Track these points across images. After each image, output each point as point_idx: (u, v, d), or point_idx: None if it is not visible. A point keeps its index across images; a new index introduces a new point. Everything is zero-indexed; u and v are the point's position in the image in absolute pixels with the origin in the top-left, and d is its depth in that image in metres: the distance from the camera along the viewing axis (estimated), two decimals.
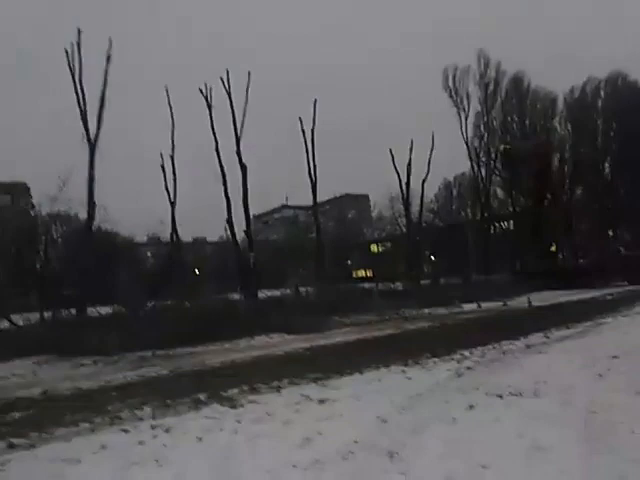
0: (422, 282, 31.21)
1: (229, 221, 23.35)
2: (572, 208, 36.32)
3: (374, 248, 55.76)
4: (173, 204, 22.94)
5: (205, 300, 19.16)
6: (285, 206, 70.62)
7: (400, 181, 32.02)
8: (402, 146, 31.22)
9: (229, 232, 23.96)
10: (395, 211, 41.01)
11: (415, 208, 47.86)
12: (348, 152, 63.39)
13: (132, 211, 24.15)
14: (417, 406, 5.35)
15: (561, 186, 37.07)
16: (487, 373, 6.91)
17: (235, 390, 6.64)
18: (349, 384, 6.76)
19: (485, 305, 19.19)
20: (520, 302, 19.05)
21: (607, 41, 61.30)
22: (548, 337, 10.07)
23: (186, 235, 46.15)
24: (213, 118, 23.03)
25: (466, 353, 8.78)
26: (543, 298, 20.00)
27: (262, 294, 23.10)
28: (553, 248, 31.89)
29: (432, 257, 48.88)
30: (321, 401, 5.84)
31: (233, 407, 5.81)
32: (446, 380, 6.67)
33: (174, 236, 23.17)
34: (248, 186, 22.99)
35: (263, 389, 6.72)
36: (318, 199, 50.25)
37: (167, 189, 23.10)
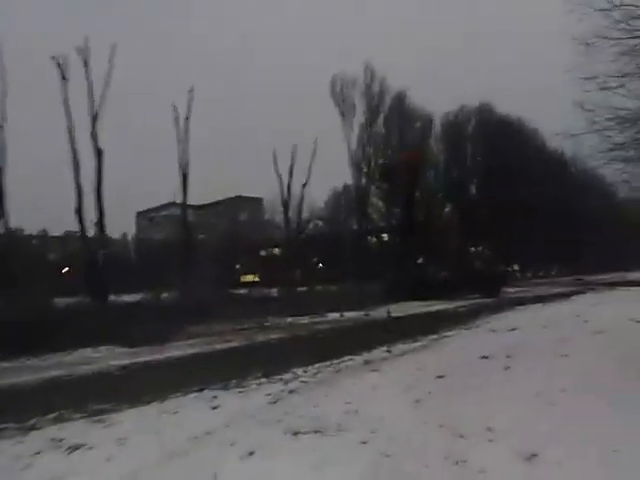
0: (299, 289, 30.76)
1: (78, 211, 20.48)
2: (441, 223, 38.71)
3: (263, 252, 54.79)
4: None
5: (37, 303, 16.42)
6: (173, 203, 66.53)
7: (281, 185, 31.39)
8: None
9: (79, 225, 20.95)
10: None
11: (304, 214, 47.92)
12: (242, 154, 61.50)
13: None
14: (191, 452, 4.21)
15: (433, 201, 39.35)
16: (305, 399, 6.03)
17: None
18: (135, 418, 5.43)
19: (349, 315, 18.96)
20: (383, 312, 19.16)
21: (480, 73, 67.49)
22: (390, 351, 9.66)
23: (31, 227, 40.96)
24: (68, 91, 20.12)
25: (299, 372, 7.94)
26: (404, 308, 20.38)
27: (121, 297, 20.69)
28: (420, 260, 33.42)
29: (320, 264, 49.38)
30: (71, 448, 4.44)
31: None
32: (255, 409, 5.65)
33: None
34: (103, 173, 20.43)
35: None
36: (209, 199, 47.46)
37: None
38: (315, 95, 56.31)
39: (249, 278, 52.52)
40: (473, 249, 44.48)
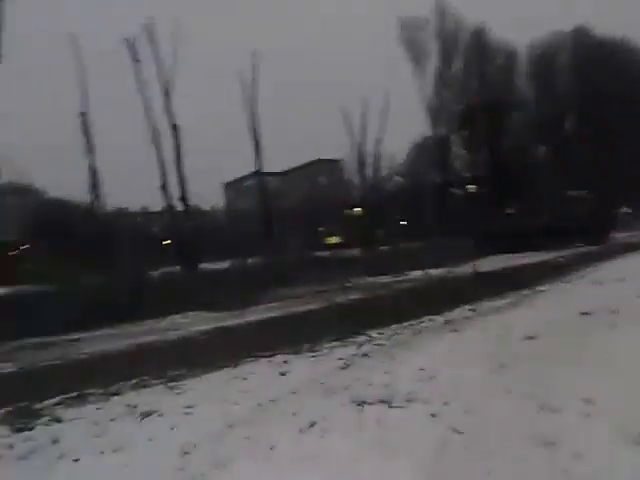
0: (382, 248, 30.29)
1: (163, 187, 21.50)
2: (533, 167, 35.52)
3: (344, 213, 54.71)
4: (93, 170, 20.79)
5: (136, 274, 17.69)
6: (257, 172, 68.26)
7: (355, 143, 30.53)
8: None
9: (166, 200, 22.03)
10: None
11: (383, 171, 46.78)
12: (313, 112, 60.60)
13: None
14: (252, 422, 4.05)
15: (521, 144, 36.10)
16: (377, 364, 5.67)
17: None
18: (206, 385, 5.45)
19: (432, 272, 18.17)
20: (470, 268, 18.09)
21: None
22: (475, 310, 8.95)
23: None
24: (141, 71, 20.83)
25: (375, 334, 7.59)
26: (493, 263, 19.09)
27: (210, 266, 21.75)
28: (511, 210, 31.09)
29: (403, 221, 48.24)
30: (142, 415, 4.52)
31: None
32: (324, 375, 5.40)
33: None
34: (181, 149, 21.12)
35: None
36: (289, 165, 48.26)
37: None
38: (383, 42, 52.86)
39: (333, 240, 52.83)
40: (574, 193, 40.44)
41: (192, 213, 23.04)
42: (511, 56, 38.52)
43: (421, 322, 8.24)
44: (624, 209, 46.60)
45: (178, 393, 5.17)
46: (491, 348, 5.71)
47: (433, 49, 35.53)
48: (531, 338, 5.91)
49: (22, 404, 5.28)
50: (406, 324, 8.13)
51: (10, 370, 7.74)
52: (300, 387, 4.98)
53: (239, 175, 68.02)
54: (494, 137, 33.94)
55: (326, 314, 10.23)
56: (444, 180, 38.83)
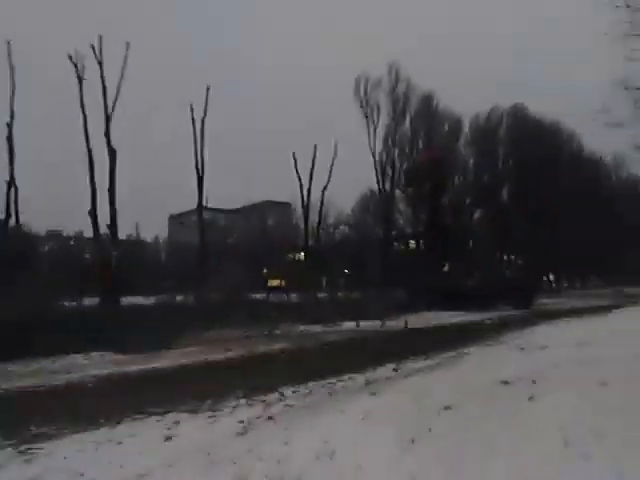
0: (321, 295, 29.94)
1: (92, 213, 20.11)
2: (470, 229, 37.00)
3: (288, 257, 54.14)
4: (10, 184, 19.18)
5: (39, 304, 16.02)
6: (204, 207, 66.84)
7: (301, 188, 30.59)
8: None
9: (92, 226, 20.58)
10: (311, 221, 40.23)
11: (330, 220, 47.03)
12: (264, 156, 60.93)
13: None
14: None
15: (460, 207, 37.70)
16: (279, 431, 5.01)
17: None
18: (62, 450, 4.52)
19: (365, 324, 17.85)
20: (402, 322, 17.95)
21: (511, 72, 64.36)
22: (397, 370, 8.54)
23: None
24: (83, 91, 19.87)
25: (289, 392, 6.95)
26: (426, 320, 19.11)
27: (134, 299, 20.30)
28: (446, 268, 31.88)
29: (346, 270, 48.28)
30: None
31: None
32: (215, 443, 4.66)
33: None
34: (116, 173, 20.02)
35: None
36: (238, 204, 47.31)
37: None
38: (338, 96, 54.79)
39: (275, 282, 51.85)
40: (504, 257, 42.41)
41: (119, 242, 21.60)
42: (456, 123, 40.89)
43: (341, 380, 7.70)
44: (549, 276, 49.45)
45: (26, 460, 4.23)
46: (406, 418, 5.22)
47: (384, 107, 37.00)
48: (448, 408, 5.49)
49: None
50: (325, 382, 7.56)
51: None
52: (181, 457, 4.22)
53: (186, 209, 66.48)
54: (436, 197, 35.13)
55: (242, 365, 9.45)
56: (387, 234, 39.50)
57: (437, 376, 7.64)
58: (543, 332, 13.60)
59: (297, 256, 51.14)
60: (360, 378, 7.79)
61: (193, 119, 23.43)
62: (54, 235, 45.89)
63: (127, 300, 20.31)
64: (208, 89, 23.34)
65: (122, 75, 20.24)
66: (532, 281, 34.69)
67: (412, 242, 40.93)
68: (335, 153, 30.44)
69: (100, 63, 19.86)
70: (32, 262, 22.01)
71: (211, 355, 10.82)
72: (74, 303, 17.70)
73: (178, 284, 24.33)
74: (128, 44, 20.45)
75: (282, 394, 6.79)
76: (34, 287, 17.98)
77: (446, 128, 40.52)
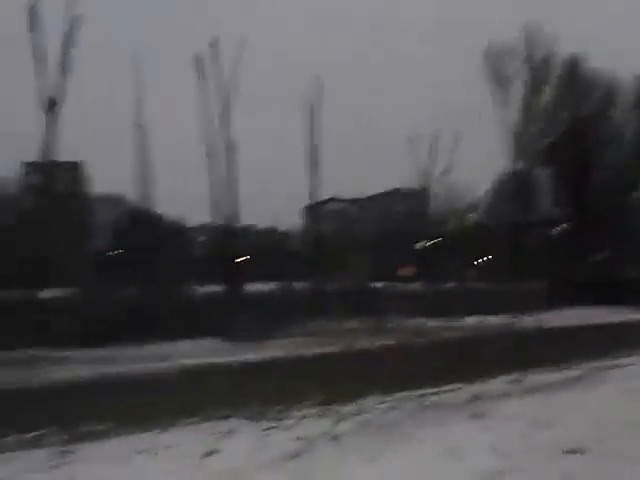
0: (448, 285, 28.01)
1: (214, 204, 20.99)
2: (629, 210, 31.15)
3: (419, 245, 52.20)
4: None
5: (166, 291, 17.20)
6: (333, 199, 68.23)
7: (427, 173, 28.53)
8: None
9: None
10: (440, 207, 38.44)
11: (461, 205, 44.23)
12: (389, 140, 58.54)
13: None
14: None
15: (616, 185, 31.90)
16: (337, 458, 3.99)
17: None
18: (85, 464, 4.06)
19: (493, 320, 15.74)
20: (538, 319, 15.46)
21: None
22: (520, 383, 6.86)
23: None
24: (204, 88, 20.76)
25: (373, 402, 5.85)
26: (567, 317, 16.20)
27: (256, 287, 20.87)
28: (596, 257, 27.20)
29: (477, 259, 44.95)
30: None
31: None
32: (255, 466, 3.83)
33: None
34: (236, 167, 20.62)
35: None
36: (368, 192, 47.36)
37: None
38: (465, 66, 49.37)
39: (405, 272, 50.42)
40: None
41: (237, 233, 22.26)
42: (611, 88, 34.59)
43: (441, 392, 6.35)
44: None
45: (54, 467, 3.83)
46: (505, 457, 3.80)
47: (520, 78, 32.74)
48: (574, 452, 3.91)
49: None
50: (419, 393, 6.29)
51: None
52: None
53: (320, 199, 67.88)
54: (584, 175, 30.28)
55: (334, 363, 8.56)
56: (525, 219, 35.30)
57: (571, 398, 5.88)
58: None
59: (426, 245, 48.85)
60: (465, 391, 6.35)
61: (311, 108, 23.10)
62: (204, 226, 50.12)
63: (252, 288, 20.84)
64: (318, 78, 22.81)
65: (237, 68, 20.66)
66: None
67: (555, 228, 36.02)
68: (458, 134, 27.78)
69: (216, 59, 20.51)
70: (172, 251, 23.96)
71: (305, 349, 10.18)
72: (200, 290, 18.60)
73: (301, 272, 24.53)
74: (243, 39, 20.81)
75: (364, 406, 5.73)
76: (168, 274, 19.45)
77: (597, 95, 34.52)
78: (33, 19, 16.92)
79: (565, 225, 34.00)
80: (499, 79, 32.92)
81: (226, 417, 5.19)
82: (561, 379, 7.16)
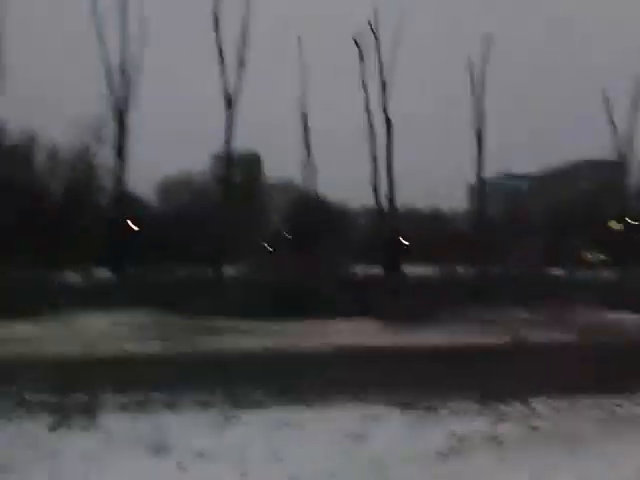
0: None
1: (375, 186, 20.99)
2: None
3: (609, 226, 45.21)
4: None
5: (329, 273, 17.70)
6: (507, 174, 63.26)
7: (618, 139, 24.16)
8: None
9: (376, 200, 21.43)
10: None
11: None
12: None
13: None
14: None
15: None
16: (488, 463, 3.54)
17: None
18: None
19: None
20: None
21: None
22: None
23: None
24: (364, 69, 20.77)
25: (541, 406, 5.08)
26: None
27: (417, 270, 20.46)
28: None
29: None
30: None
31: None
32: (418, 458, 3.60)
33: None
34: (392, 146, 20.25)
35: None
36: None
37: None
38: None
39: (591, 257, 44.14)
40: None
41: (396, 214, 21.87)
42: None
43: (628, 401, 5.24)
44: None
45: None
46: None
47: None
48: None
49: None
50: (602, 400, 5.28)
51: None
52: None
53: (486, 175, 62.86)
54: None
55: (496, 357, 7.74)
56: None
57: None
58: None
59: (618, 224, 41.88)
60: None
61: (472, 73, 21.45)
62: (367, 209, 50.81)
63: (412, 271, 20.36)
64: (488, 36, 20.85)
65: (397, 44, 20.16)
66: None
67: None
68: None
69: (375, 36, 20.26)
70: (336, 233, 24.75)
71: (464, 337, 9.46)
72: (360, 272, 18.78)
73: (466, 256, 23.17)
74: (403, 13, 20.18)
75: (532, 408, 5.03)
76: (331, 256, 20.15)
77: None
78: (216, 21, 18.86)
79: None
80: None
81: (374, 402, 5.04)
82: None
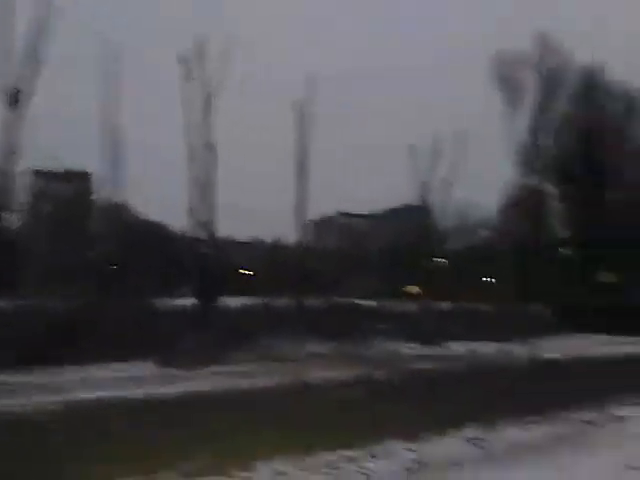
0: (443, 305, 26.18)
1: (191, 211, 19.47)
2: None
3: (426, 263, 50.22)
4: None
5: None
6: (342, 213, 66.76)
7: (422, 183, 26.81)
8: None
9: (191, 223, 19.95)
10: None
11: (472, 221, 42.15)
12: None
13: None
14: None
15: (635, 203, 29.63)
16: None
17: None
18: None
19: (486, 348, 13.82)
20: (538, 347, 13.51)
21: None
22: (481, 446, 5.05)
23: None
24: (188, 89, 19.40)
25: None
26: (570, 346, 14.24)
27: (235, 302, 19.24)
28: (613, 278, 25.00)
29: (490, 279, 42.95)
30: None
31: None
32: None
33: None
34: (216, 169, 19.16)
35: None
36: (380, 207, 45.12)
37: None
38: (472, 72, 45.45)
39: (412, 290, 48.53)
40: None
41: (215, 242, 20.67)
42: (630, 101, 32.55)
43: (359, 460, 4.55)
44: None
45: None
46: None
47: (531, 86, 30.92)
48: None
49: None
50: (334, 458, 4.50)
51: None
52: None
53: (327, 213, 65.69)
54: (597, 193, 28.25)
55: (258, 404, 6.76)
56: (533, 237, 33.24)
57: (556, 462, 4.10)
58: None
59: (434, 262, 46.83)
60: (398, 458, 4.55)
61: (299, 110, 21.64)
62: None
63: (232, 302, 19.20)
64: (311, 77, 21.37)
65: (226, 70, 19.36)
66: None
67: (566, 248, 33.84)
68: (462, 141, 26.02)
69: (204, 62, 19.18)
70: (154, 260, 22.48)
71: (239, 379, 8.43)
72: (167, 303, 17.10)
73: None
74: (232, 39, 19.52)
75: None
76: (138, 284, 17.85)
77: (616, 108, 32.52)
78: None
79: (575, 246, 31.92)
80: (508, 87, 31.17)
81: None
82: (539, 437, 5.34)
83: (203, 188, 19.16)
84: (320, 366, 9.92)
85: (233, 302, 18.67)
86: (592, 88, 31.74)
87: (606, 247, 25.73)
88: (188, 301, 18.27)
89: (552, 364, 10.83)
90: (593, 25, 47.08)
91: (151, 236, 31.81)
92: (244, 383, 8.21)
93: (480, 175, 32.18)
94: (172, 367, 9.98)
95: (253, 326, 15.38)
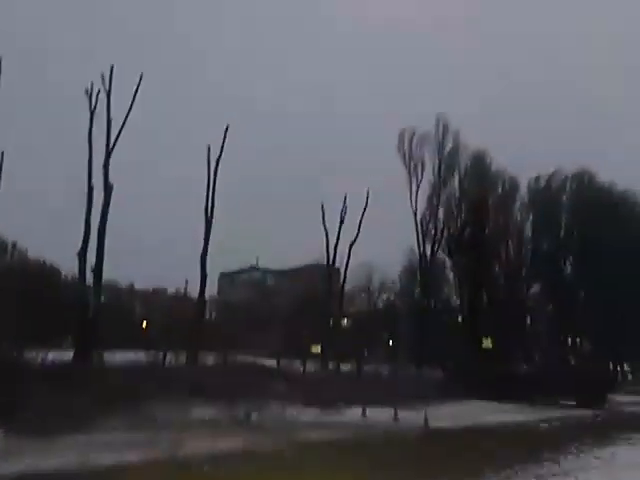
0: (344, 369, 26.25)
1: (81, 254, 17.76)
2: (525, 304, 31.85)
3: (330, 323, 50.32)
4: None
5: None
6: (254, 267, 65.20)
7: (327, 243, 27.44)
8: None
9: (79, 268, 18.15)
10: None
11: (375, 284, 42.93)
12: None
13: None
14: None
15: (515, 278, 32.80)
16: None
17: None
18: None
19: (379, 414, 13.66)
20: (428, 415, 13.64)
21: (576, 136, 56.36)
22: None
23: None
24: (93, 125, 18.31)
25: None
26: (460, 414, 14.62)
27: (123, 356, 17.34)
28: (489, 345, 26.79)
29: (390, 342, 43.76)
30: None
31: None
32: None
33: None
34: (109, 210, 17.85)
35: None
36: (290, 264, 44.68)
37: None
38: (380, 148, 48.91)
39: (317, 350, 48.03)
40: (568, 340, 36.16)
41: (101, 289, 18.96)
42: (512, 185, 36.90)
43: None
44: (623, 366, 41.39)
45: None
46: None
47: (430, 163, 33.84)
48: None
49: None
50: None
51: None
52: None
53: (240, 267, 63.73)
54: (484, 266, 30.90)
55: None
56: (428, 304, 34.99)
57: None
58: (627, 456, 9.02)
59: (338, 323, 47.18)
60: None
61: (209, 160, 21.33)
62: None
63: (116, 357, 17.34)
64: (227, 129, 21.37)
65: (130, 107, 18.72)
66: (605, 372, 28.43)
67: (458, 317, 36.09)
68: (367, 204, 27.24)
69: (109, 94, 18.42)
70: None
71: (103, 454, 7.33)
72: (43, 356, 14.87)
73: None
74: (141, 75, 19.09)
75: None
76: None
77: (500, 190, 36.60)
78: None
79: (464, 314, 34.08)
80: (410, 162, 33.70)
81: None
82: None
83: (97, 231, 17.78)
84: (203, 435, 9.02)
85: (120, 357, 16.97)
86: (479, 169, 35.48)
87: (488, 315, 27.78)
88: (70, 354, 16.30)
89: (439, 431, 10.93)
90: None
91: (35, 280, 28.54)
92: (105, 458, 7.13)
93: (385, 239, 33.84)
94: (24, 436, 8.47)
95: (136, 386, 13.91)
